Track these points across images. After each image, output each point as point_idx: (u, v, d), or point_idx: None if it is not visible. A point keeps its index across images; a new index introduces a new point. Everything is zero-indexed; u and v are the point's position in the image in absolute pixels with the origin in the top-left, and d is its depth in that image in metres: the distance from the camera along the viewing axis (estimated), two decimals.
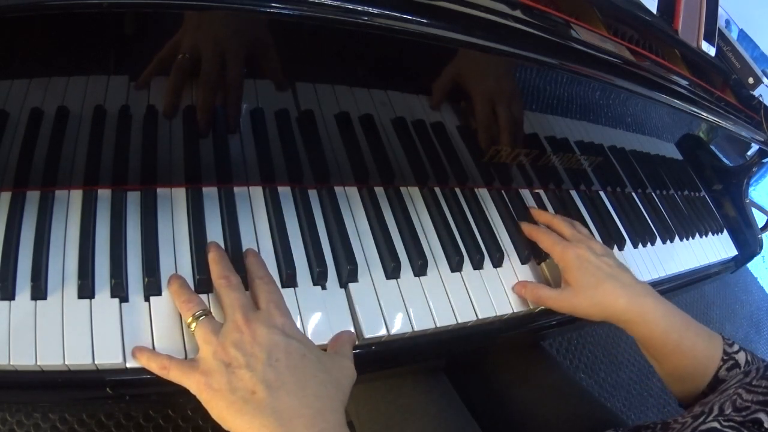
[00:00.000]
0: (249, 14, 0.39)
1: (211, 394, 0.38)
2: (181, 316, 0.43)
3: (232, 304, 0.42)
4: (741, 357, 0.55)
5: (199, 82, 0.43)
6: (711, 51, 0.75)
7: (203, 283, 0.45)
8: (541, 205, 0.72)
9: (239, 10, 0.37)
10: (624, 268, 0.59)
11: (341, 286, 0.51)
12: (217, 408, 0.38)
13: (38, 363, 0.38)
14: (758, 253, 1.07)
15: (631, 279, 0.57)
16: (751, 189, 1.08)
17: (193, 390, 0.39)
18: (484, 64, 0.53)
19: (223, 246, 0.48)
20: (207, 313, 0.42)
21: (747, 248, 1.06)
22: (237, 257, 0.48)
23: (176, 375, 0.40)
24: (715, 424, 0.42)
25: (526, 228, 0.65)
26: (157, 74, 0.41)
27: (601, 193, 0.82)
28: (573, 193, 0.78)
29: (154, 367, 0.40)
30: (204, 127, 0.46)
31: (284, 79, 0.46)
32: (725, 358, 0.54)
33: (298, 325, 0.46)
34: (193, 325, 0.42)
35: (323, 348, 0.46)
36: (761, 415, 0.41)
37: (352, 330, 0.49)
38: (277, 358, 0.39)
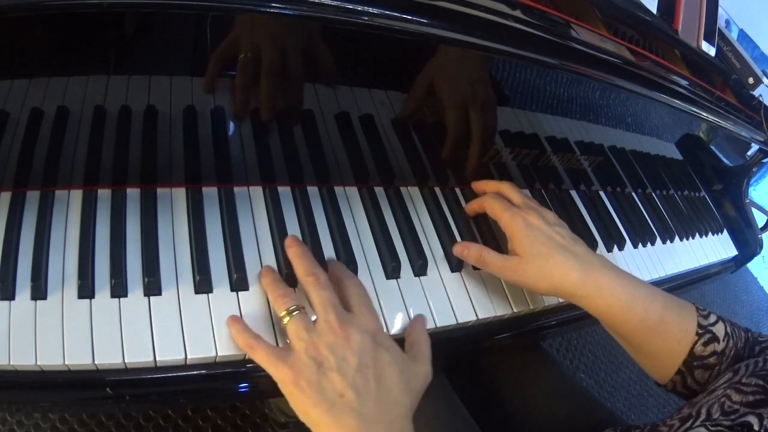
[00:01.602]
0: (249, 14, 0.39)
1: (298, 390, 0.39)
2: (182, 317, 0.43)
3: (324, 303, 0.43)
4: (719, 329, 0.51)
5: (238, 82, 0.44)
6: (711, 51, 0.75)
7: (203, 284, 0.45)
8: (542, 205, 0.72)
9: (239, 11, 0.37)
10: (578, 239, 0.54)
11: None
12: (302, 404, 0.39)
13: (38, 363, 0.38)
14: (758, 253, 1.07)
15: (585, 251, 0.52)
16: (751, 189, 1.08)
17: (277, 380, 0.41)
18: (474, 65, 0.53)
19: (222, 246, 0.48)
20: (301, 308, 0.43)
21: (747, 248, 1.06)
22: (237, 257, 0.48)
23: (262, 358, 0.41)
24: (703, 430, 0.40)
25: (470, 204, 0.60)
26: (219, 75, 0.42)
27: (601, 193, 0.82)
28: (573, 193, 0.78)
29: (241, 342, 0.42)
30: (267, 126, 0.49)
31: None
32: (700, 332, 0.50)
33: None
34: (286, 319, 0.43)
35: (399, 340, 0.46)
36: (750, 418, 0.38)
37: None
38: (366, 365, 0.41)
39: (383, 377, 0.41)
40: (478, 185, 0.63)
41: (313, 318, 0.43)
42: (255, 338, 0.42)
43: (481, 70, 0.54)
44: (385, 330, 0.47)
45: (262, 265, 0.49)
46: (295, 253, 0.47)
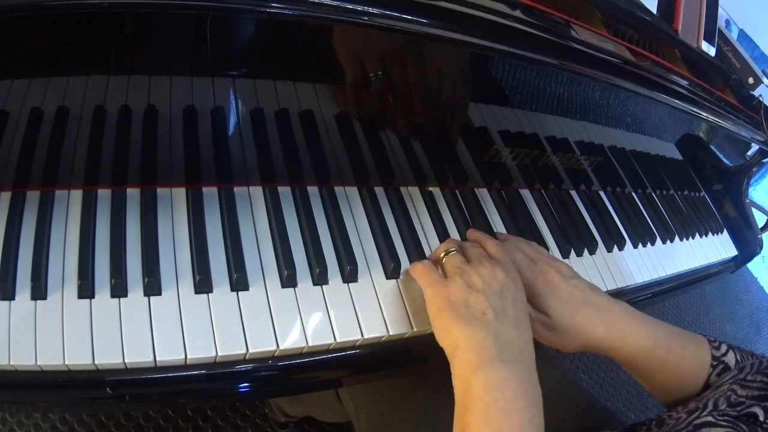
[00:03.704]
0: (249, 14, 0.39)
1: (447, 306, 0.46)
2: (182, 317, 0.43)
3: (479, 252, 0.51)
4: (730, 358, 0.52)
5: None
6: (711, 51, 0.75)
7: (203, 284, 0.45)
8: (543, 206, 0.72)
9: (239, 11, 0.37)
10: (596, 288, 0.54)
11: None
12: (446, 318, 0.45)
13: (38, 363, 0.38)
14: (758, 253, 1.07)
15: (605, 300, 0.52)
16: (751, 189, 1.08)
17: (429, 296, 0.48)
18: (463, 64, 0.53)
19: (222, 246, 0.48)
20: (459, 249, 0.52)
21: (747, 248, 1.06)
22: (237, 257, 0.47)
23: (423, 275, 0.50)
24: (710, 419, 0.42)
25: (490, 249, 0.54)
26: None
27: (601, 193, 0.82)
28: (573, 193, 0.78)
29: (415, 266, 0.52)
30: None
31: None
32: (714, 363, 0.52)
33: (298, 324, 0.47)
34: (445, 257, 0.51)
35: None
36: (756, 409, 0.40)
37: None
38: (506, 296, 0.47)
39: (518, 310, 0.47)
40: (474, 236, 0.59)
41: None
42: (427, 264, 0.51)
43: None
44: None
45: (262, 265, 0.49)
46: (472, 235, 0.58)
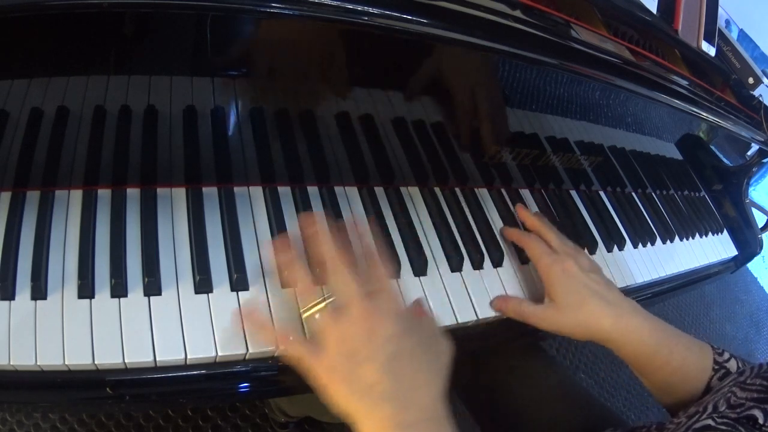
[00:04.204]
0: (249, 14, 0.39)
1: (333, 381, 0.40)
2: (182, 317, 0.43)
3: (349, 294, 0.43)
4: (732, 365, 0.54)
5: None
6: (711, 51, 0.75)
7: (203, 284, 0.45)
8: (542, 206, 0.72)
9: (239, 11, 0.37)
10: (611, 284, 0.57)
11: None
12: (337, 394, 0.40)
13: (38, 363, 0.38)
14: (758, 253, 1.07)
15: (617, 297, 0.55)
16: (751, 189, 1.08)
17: (312, 372, 0.41)
18: (473, 64, 0.53)
19: (222, 246, 0.48)
20: (327, 300, 0.44)
21: (747, 248, 1.06)
22: (237, 257, 0.47)
23: (297, 351, 0.42)
24: (710, 422, 0.42)
25: (512, 232, 0.63)
26: None
27: (601, 193, 0.82)
28: (573, 193, 0.77)
29: (269, 337, 0.43)
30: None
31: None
32: (716, 367, 0.53)
33: (298, 324, 0.46)
34: (313, 312, 0.44)
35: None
36: (755, 412, 0.40)
37: None
38: (396, 352, 0.41)
39: (414, 361, 0.41)
40: (522, 215, 0.66)
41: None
42: (286, 331, 0.43)
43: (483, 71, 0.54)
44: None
45: (262, 265, 0.49)
46: (313, 235, 0.47)
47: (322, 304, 0.43)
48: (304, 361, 0.41)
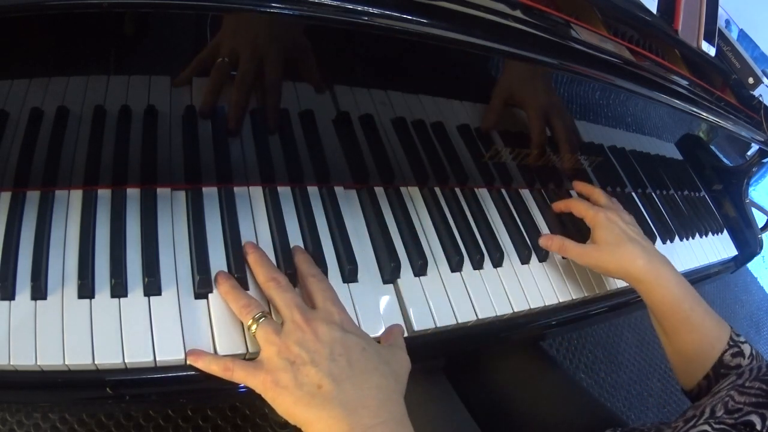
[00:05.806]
0: (249, 14, 0.39)
1: (278, 392, 0.39)
2: (182, 317, 0.43)
3: (288, 304, 0.43)
4: (747, 348, 0.56)
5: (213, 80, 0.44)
6: (711, 51, 0.75)
7: (203, 284, 0.45)
8: (543, 206, 0.72)
9: (239, 10, 0.37)
10: (647, 239, 0.63)
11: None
12: (284, 404, 0.39)
13: (38, 363, 0.38)
14: (758, 253, 1.07)
15: (653, 248, 0.61)
16: (751, 189, 1.08)
17: (259, 389, 0.40)
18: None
19: (222, 246, 0.48)
20: (266, 314, 0.43)
21: (747, 248, 1.06)
22: (237, 257, 0.48)
23: (240, 375, 0.41)
24: (706, 428, 0.41)
25: (560, 202, 0.70)
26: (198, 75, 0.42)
27: None
28: (573, 193, 0.77)
29: (216, 369, 0.41)
30: (235, 127, 0.48)
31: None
32: (731, 343, 0.56)
33: None
34: (254, 327, 0.43)
35: (377, 340, 0.47)
36: (753, 417, 0.40)
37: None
38: (339, 353, 0.41)
39: (359, 362, 0.41)
40: (576, 184, 0.75)
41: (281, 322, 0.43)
42: (230, 360, 0.42)
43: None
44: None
45: None
46: (254, 260, 0.47)
47: (262, 318, 0.43)
48: (248, 383, 0.41)
